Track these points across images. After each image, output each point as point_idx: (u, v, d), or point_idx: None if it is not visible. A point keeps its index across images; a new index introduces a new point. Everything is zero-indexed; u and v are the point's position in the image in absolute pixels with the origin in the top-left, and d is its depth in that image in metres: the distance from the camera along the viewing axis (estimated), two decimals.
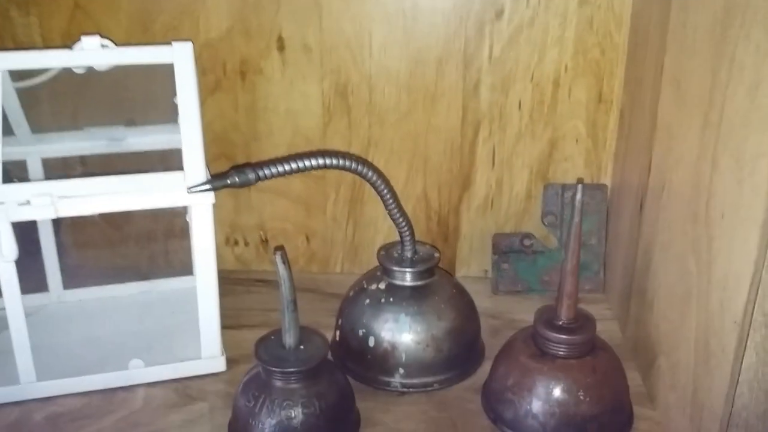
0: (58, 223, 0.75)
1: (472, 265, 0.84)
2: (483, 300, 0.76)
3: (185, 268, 0.79)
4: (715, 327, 0.49)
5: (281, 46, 0.77)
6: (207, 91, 0.78)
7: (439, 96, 0.77)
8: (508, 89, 0.77)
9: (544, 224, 0.80)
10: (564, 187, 0.79)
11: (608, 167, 0.79)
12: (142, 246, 0.83)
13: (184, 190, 0.59)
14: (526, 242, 0.80)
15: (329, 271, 0.85)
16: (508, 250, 0.80)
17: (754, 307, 0.44)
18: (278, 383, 0.54)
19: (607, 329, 0.71)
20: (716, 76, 0.50)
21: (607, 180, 0.79)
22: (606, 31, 0.74)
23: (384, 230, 0.82)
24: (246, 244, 0.85)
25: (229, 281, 0.79)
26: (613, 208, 0.78)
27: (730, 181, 0.48)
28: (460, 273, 0.84)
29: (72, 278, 0.76)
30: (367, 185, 0.80)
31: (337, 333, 0.67)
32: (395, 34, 0.75)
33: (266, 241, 0.85)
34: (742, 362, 0.45)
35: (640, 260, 0.67)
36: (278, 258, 0.53)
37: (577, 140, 0.78)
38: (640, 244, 0.67)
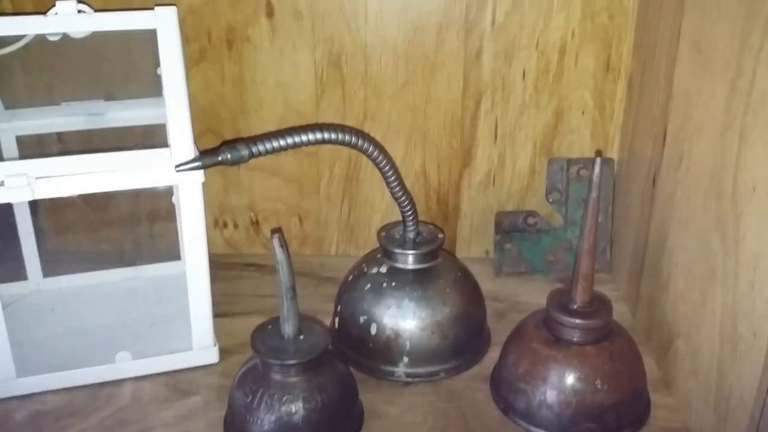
0: (35, 207, 0.71)
1: (473, 246, 0.80)
2: (485, 282, 0.72)
3: (172, 252, 0.75)
4: (745, 309, 0.46)
5: (270, 12, 0.72)
6: (191, 61, 0.73)
7: (438, 65, 0.73)
8: (512, 57, 0.73)
9: (548, 201, 0.76)
10: (569, 161, 0.75)
11: (615, 140, 0.75)
12: (125, 230, 0.79)
13: (171, 168, 0.54)
14: (530, 221, 0.76)
15: (324, 253, 0.81)
16: (511, 229, 0.76)
17: None
18: (277, 376, 0.50)
19: (615, 311, 0.68)
20: (746, 39, 0.46)
21: (614, 153, 0.76)
22: None
23: (381, 210, 0.78)
24: (236, 226, 0.81)
25: (219, 266, 0.75)
26: (620, 183, 0.75)
27: (762, 153, 0.44)
28: (461, 254, 0.80)
29: (52, 265, 0.72)
30: (363, 162, 0.76)
31: (336, 320, 0.63)
32: None
33: (257, 222, 0.81)
34: None
35: (654, 238, 0.64)
36: (276, 241, 0.49)
37: (583, 111, 0.74)
38: (652, 221, 0.64)
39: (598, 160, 0.51)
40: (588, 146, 0.76)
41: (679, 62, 0.59)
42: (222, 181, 0.78)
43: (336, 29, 0.72)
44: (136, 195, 0.76)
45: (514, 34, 0.72)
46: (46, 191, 0.53)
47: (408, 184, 0.76)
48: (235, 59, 0.74)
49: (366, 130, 0.75)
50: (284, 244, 0.50)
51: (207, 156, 0.54)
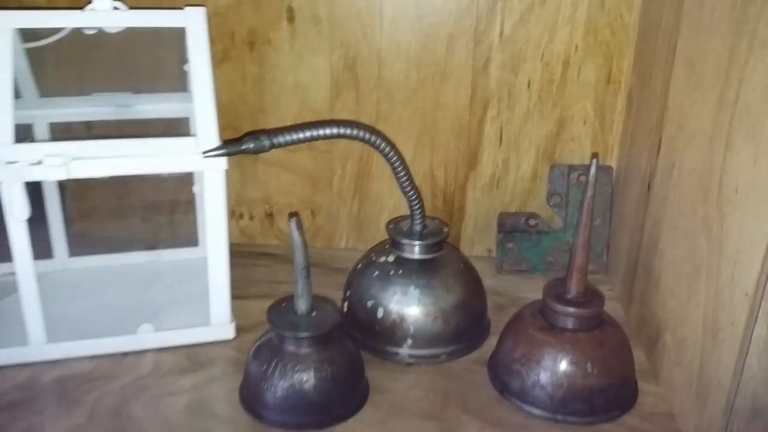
0: (63, 191, 0.75)
1: (476, 244, 0.85)
2: (487, 278, 0.76)
3: (190, 239, 0.79)
4: (725, 300, 0.50)
5: (291, 17, 0.77)
6: (214, 61, 0.76)
7: (448, 73, 0.78)
8: (518, 68, 0.77)
9: (549, 205, 0.80)
10: (570, 168, 0.79)
11: (614, 149, 0.80)
12: (147, 217, 0.83)
13: (197, 156, 0.59)
14: (531, 222, 0.80)
15: (334, 246, 0.86)
16: (513, 229, 0.81)
17: (767, 279, 0.44)
18: (291, 348, 0.54)
19: (610, 309, 0.72)
20: (734, 54, 0.50)
21: (612, 162, 0.80)
22: (617, 12, 0.74)
23: (390, 207, 0.82)
24: (251, 217, 0.85)
25: (234, 254, 0.77)
26: (618, 189, 0.79)
27: (745, 158, 0.48)
28: (465, 252, 0.84)
29: (77, 246, 0.76)
30: (374, 161, 0.81)
31: (345, 305, 0.67)
32: (406, 8, 0.75)
33: (271, 215, 0.85)
34: (752, 334, 0.46)
35: (647, 239, 0.68)
36: (293, 225, 0.53)
37: (584, 121, 0.79)
38: (646, 224, 0.68)
39: (594, 161, 0.55)
40: (588, 154, 0.80)
41: (674, 77, 0.63)
42: (240, 174, 0.83)
43: (352, 35, 0.77)
44: (157, 185, 0.80)
45: (520, 46, 0.76)
46: (81, 171, 0.57)
47: (416, 183, 0.81)
48: (257, 60, 0.79)
49: None
50: (301, 227, 0.54)
51: (231, 144, 0.59)
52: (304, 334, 0.54)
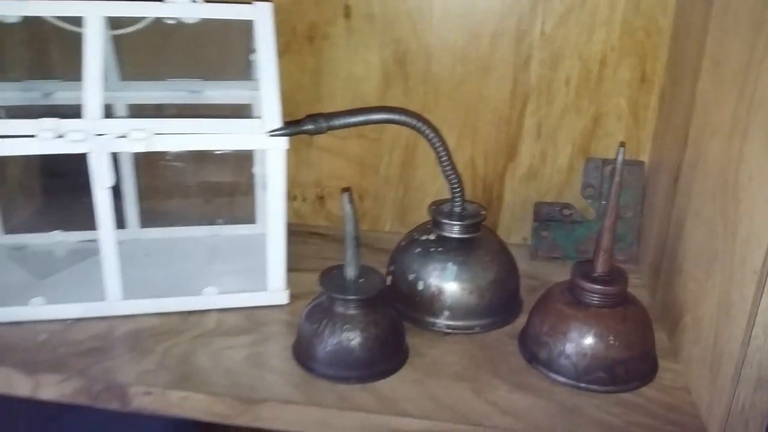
0: (138, 169, 0.82)
1: (512, 232, 0.90)
2: (522, 264, 0.81)
3: (249, 217, 0.86)
4: (737, 280, 0.54)
5: (347, 14, 0.83)
6: (277, 53, 0.84)
7: (491, 68, 0.83)
8: (557, 65, 0.82)
9: (583, 196, 0.85)
10: (604, 161, 0.84)
11: (647, 145, 0.84)
12: (211, 196, 0.90)
13: (262, 135, 0.65)
14: (566, 212, 0.85)
15: (378, 229, 0.92)
16: (548, 218, 0.86)
17: None
18: (340, 309, 0.61)
19: (637, 296, 0.76)
20: (753, 52, 0.55)
21: (645, 157, 0.84)
22: (652, 15, 0.79)
23: (432, 193, 0.88)
24: (304, 199, 0.92)
25: (288, 232, 0.85)
26: (649, 184, 0.83)
27: (758, 147, 0.53)
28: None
29: (148, 219, 0.84)
30: (420, 149, 0.87)
31: (389, 278, 0.73)
32: (454, 7, 0.81)
33: (322, 197, 0.92)
34: (758, 306, 0.50)
35: (673, 228, 0.72)
36: (345, 198, 0.60)
37: (619, 118, 0.83)
38: (673, 214, 0.72)
39: (622, 149, 0.60)
40: None
41: (701, 76, 0.67)
42: (295, 159, 0.90)
43: (403, 31, 0.83)
44: (221, 166, 0.88)
45: (560, 44, 0.81)
46: (160, 145, 0.64)
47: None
48: (315, 53, 0.85)
49: None
50: (352, 201, 0.60)
51: (293, 125, 0.65)
52: (351, 297, 0.60)
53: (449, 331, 0.69)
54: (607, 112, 0.83)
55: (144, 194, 0.85)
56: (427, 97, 0.85)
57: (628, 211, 0.84)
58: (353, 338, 0.60)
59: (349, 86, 0.86)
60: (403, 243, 0.73)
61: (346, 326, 0.60)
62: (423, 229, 0.73)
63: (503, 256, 0.73)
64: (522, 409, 0.58)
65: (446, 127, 0.86)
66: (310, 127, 0.65)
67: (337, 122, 0.66)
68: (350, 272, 0.62)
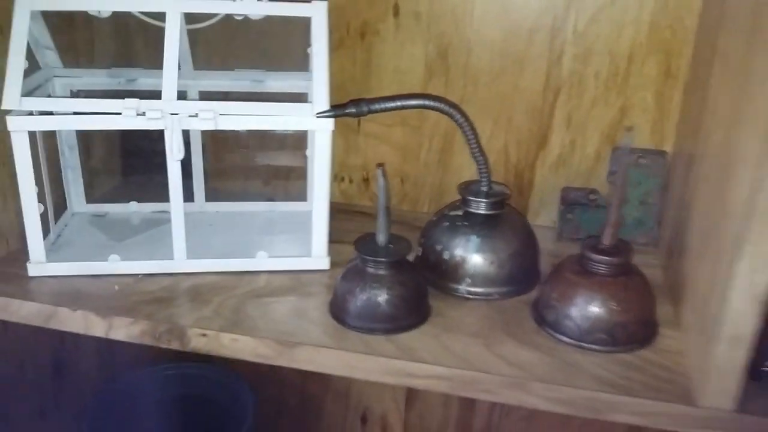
0: (205, 151, 0.93)
1: (541, 216, 0.96)
2: (548, 244, 0.89)
3: (301, 195, 0.95)
4: (727, 252, 0.60)
5: (396, 12, 0.92)
6: (331, 47, 0.93)
7: (526, 62, 0.90)
8: (588, 60, 0.88)
9: (609, 183, 0.91)
10: (630, 151, 0.90)
11: (671, 136, 0.89)
12: (268, 176, 1.01)
13: (311, 117, 0.74)
14: (592, 197, 0.92)
15: (417, 209, 1.00)
16: (574, 202, 0.92)
17: (749, 224, 0.55)
18: (370, 270, 0.69)
19: (653, 276, 0.81)
20: (750, 46, 0.61)
21: (668, 147, 0.90)
22: (678, 15, 0.84)
23: (466, 177, 0.95)
24: (350, 181, 1.01)
25: (335, 210, 0.93)
26: (672, 172, 0.89)
27: (749, 132, 0.59)
28: (530, 221, 0.96)
29: (212, 194, 0.94)
30: (457, 138, 0.94)
31: (420, 249, 0.81)
32: (494, 6, 0.89)
33: (367, 180, 1.00)
34: (734, 270, 0.56)
35: (684, 211, 0.78)
36: (380, 172, 0.68)
37: (644, 110, 0.89)
38: (685, 198, 0.78)
39: (629, 133, 0.67)
40: (647, 140, 0.90)
41: (713, 71, 0.73)
42: (344, 144, 0.99)
43: (447, 28, 0.91)
44: (277, 149, 0.98)
45: (591, 41, 0.88)
46: (226, 124, 0.74)
47: (491, 159, 0.93)
48: (366, 48, 0.94)
49: None
50: (385, 175, 0.68)
51: (338, 108, 0.74)
52: (381, 259, 0.69)
53: (470, 296, 0.77)
54: (633, 105, 0.89)
55: (210, 172, 0.96)
56: (466, 88, 0.93)
57: (650, 197, 0.90)
58: (380, 295, 0.68)
59: (395, 78, 0.95)
60: (434, 218, 0.82)
61: (375, 285, 0.68)
62: (453, 206, 0.81)
63: (524, 232, 0.80)
64: (527, 362, 0.66)
65: (483, 116, 0.93)
66: (352, 110, 0.74)
67: (376, 106, 0.74)
68: (381, 238, 0.70)
